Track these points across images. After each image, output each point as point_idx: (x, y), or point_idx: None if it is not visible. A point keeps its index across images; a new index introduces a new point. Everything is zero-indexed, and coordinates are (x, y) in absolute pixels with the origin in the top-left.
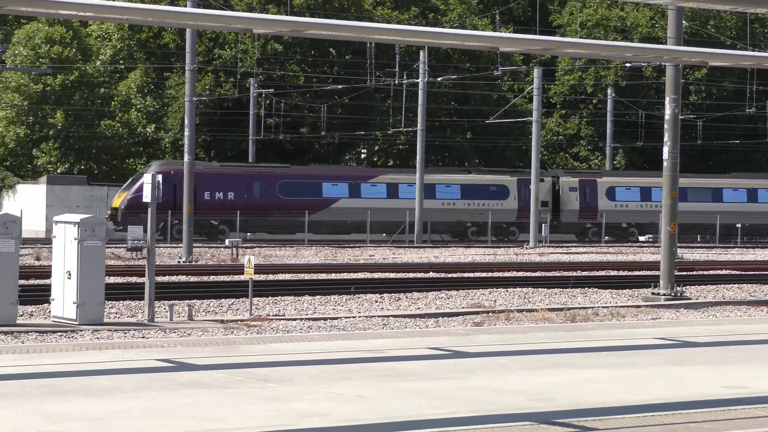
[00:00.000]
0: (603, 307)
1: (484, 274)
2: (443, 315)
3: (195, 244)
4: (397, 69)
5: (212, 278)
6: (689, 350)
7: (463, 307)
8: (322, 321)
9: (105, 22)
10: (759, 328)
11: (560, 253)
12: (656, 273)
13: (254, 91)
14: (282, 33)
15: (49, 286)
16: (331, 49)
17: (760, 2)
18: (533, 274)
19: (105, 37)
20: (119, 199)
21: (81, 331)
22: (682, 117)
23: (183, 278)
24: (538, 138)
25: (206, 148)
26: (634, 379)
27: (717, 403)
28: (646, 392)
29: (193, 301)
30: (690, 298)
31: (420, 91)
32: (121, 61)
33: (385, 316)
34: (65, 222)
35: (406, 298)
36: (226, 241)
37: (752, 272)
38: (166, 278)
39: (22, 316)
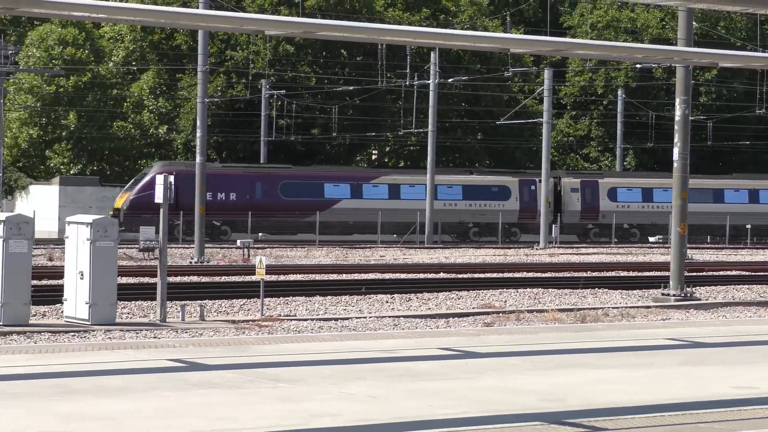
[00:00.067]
0: (613, 308)
1: (494, 275)
2: (454, 315)
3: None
4: (408, 70)
5: (224, 279)
6: (699, 351)
7: (473, 308)
8: (333, 321)
9: (117, 24)
10: None
11: (570, 254)
12: (666, 274)
13: (266, 93)
14: (294, 34)
15: (62, 286)
16: (342, 51)
17: None
18: (543, 275)
19: (117, 38)
20: (121, 199)
21: (93, 331)
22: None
23: (195, 279)
24: (548, 139)
25: (218, 149)
26: (644, 380)
27: (727, 403)
28: (656, 392)
29: (204, 301)
30: (700, 299)
31: (431, 92)
32: (134, 63)
33: (396, 317)
34: (78, 222)
35: (417, 298)
36: (238, 241)
37: (762, 273)
38: (178, 279)
39: (34, 316)
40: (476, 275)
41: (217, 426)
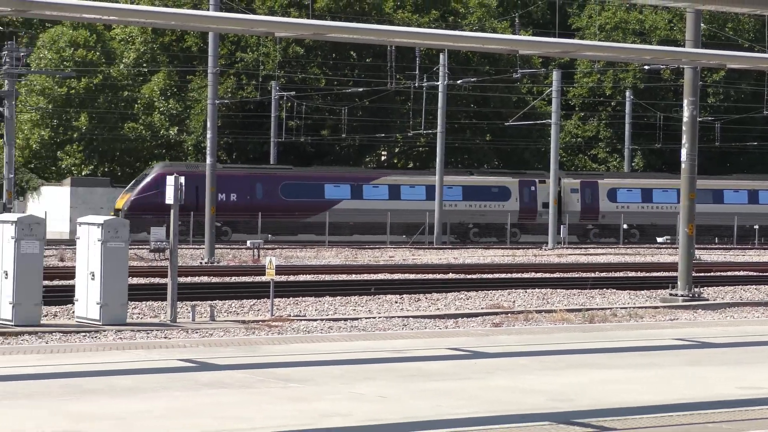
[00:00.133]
0: (621, 308)
1: (503, 275)
2: (463, 316)
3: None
4: (417, 72)
5: (234, 279)
6: (707, 351)
7: (482, 308)
8: (342, 321)
9: (128, 26)
10: None
11: (578, 254)
12: (674, 274)
13: (276, 94)
14: (303, 36)
15: (73, 286)
16: (351, 52)
17: None
18: (552, 275)
19: (128, 40)
20: (122, 200)
21: (104, 331)
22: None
23: (205, 279)
24: (556, 140)
25: (228, 150)
26: (653, 380)
27: (735, 403)
28: (664, 392)
29: (215, 301)
30: (708, 299)
31: (440, 93)
32: (145, 65)
33: (405, 317)
34: (89, 223)
35: (426, 298)
36: (248, 242)
37: None
38: (189, 279)
39: (46, 316)
40: (485, 276)
41: (227, 426)
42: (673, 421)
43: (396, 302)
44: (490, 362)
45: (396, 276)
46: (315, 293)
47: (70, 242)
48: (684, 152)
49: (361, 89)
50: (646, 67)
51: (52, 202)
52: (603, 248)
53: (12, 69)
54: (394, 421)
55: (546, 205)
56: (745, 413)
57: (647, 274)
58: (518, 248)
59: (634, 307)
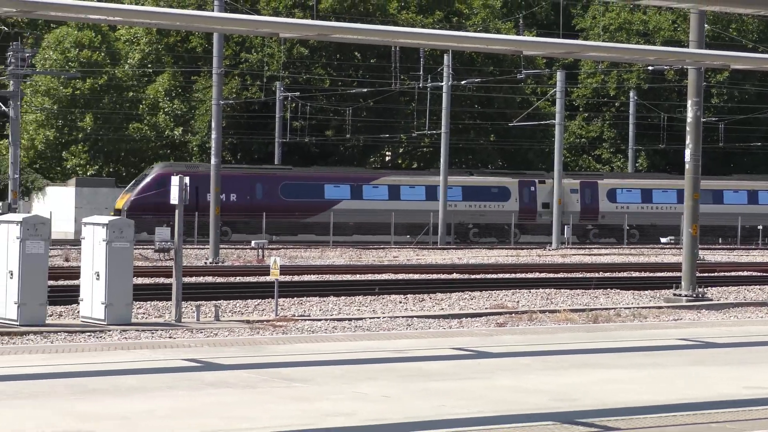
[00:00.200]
0: (625, 308)
1: (507, 276)
2: (467, 316)
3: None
4: (421, 72)
5: (238, 279)
6: (711, 351)
7: (486, 308)
8: (346, 321)
9: (133, 27)
10: None
11: (582, 254)
12: (678, 274)
13: (280, 95)
14: (308, 37)
15: (78, 286)
16: (356, 53)
17: None
18: (556, 276)
19: (133, 41)
20: (122, 200)
21: (109, 331)
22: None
23: (210, 279)
24: (560, 140)
25: (233, 150)
26: (657, 380)
27: (739, 403)
28: (668, 392)
29: (219, 301)
30: (711, 300)
31: (444, 94)
32: (149, 65)
33: (409, 317)
34: (94, 223)
35: (430, 298)
36: (252, 242)
37: None
38: (193, 279)
39: (51, 316)
40: (489, 276)
41: (232, 425)
42: (676, 421)
43: (400, 302)
44: (493, 362)
45: (400, 276)
46: (319, 293)
47: (75, 242)
48: (688, 153)
49: (365, 90)
50: (650, 67)
51: (57, 203)
52: (606, 248)
53: (17, 69)
54: (397, 421)
55: (546, 206)
56: (749, 413)
57: (651, 275)
58: (522, 248)
59: (637, 307)
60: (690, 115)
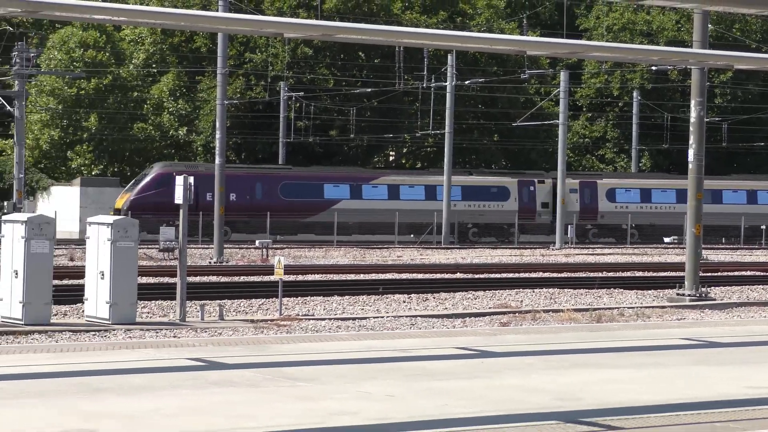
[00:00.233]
0: (628, 308)
1: (510, 275)
2: (470, 315)
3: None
4: (425, 72)
5: (243, 279)
6: (714, 351)
7: (489, 308)
8: (350, 321)
9: (138, 27)
10: None
11: (586, 254)
12: (681, 274)
13: (284, 94)
14: (312, 37)
15: (83, 286)
16: (360, 53)
17: None
18: (559, 275)
19: (138, 41)
20: (122, 200)
21: (114, 330)
22: (708, 120)
23: (214, 279)
24: (564, 140)
25: (237, 150)
26: (660, 379)
27: (741, 403)
28: (671, 392)
29: (223, 301)
30: (715, 299)
31: (448, 94)
32: (154, 65)
33: (413, 316)
34: (99, 223)
35: (434, 298)
36: (257, 242)
37: None
38: (198, 278)
39: (56, 315)
40: (492, 275)
41: (236, 424)
42: (679, 421)
43: (404, 302)
44: (497, 361)
45: (404, 276)
46: (323, 293)
47: (80, 242)
48: (691, 153)
49: (369, 90)
50: (653, 67)
51: (61, 202)
52: (610, 248)
53: (22, 69)
54: (401, 420)
55: (545, 205)
56: (753, 413)
57: (654, 274)
58: (525, 248)
59: (641, 307)
60: (693, 115)
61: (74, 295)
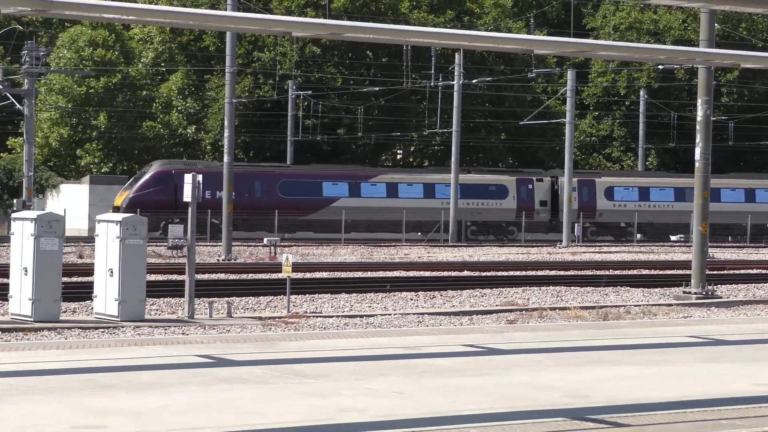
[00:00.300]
0: (635, 306)
1: (517, 273)
2: (477, 313)
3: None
4: (432, 71)
5: (251, 276)
6: (721, 348)
7: (496, 305)
8: (358, 318)
9: (147, 26)
10: None
11: (592, 252)
12: (687, 272)
13: (292, 93)
14: (320, 36)
15: (92, 283)
16: (368, 52)
17: None
18: (566, 273)
19: (147, 40)
20: (121, 197)
21: (122, 327)
22: (714, 118)
23: (222, 276)
24: (571, 139)
25: (245, 148)
26: (666, 377)
27: (749, 400)
28: (678, 389)
29: (232, 298)
30: (721, 297)
31: (455, 92)
32: (163, 64)
33: (420, 314)
34: (107, 221)
35: (441, 296)
36: (265, 239)
37: None
38: (206, 276)
39: (65, 312)
40: (499, 273)
41: (245, 420)
42: (686, 418)
43: (411, 299)
44: (504, 359)
45: (411, 273)
46: (331, 290)
47: (89, 239)
48: (698, 151)
49: (377, 88)
50: (660, 66)
51: (71, 200)
52: (616, 246)
53: (32, 68)
54: (409, 417)
55: (543, 203)
56: (759, 410)
57: (661, 272)
58: (532, 246)
59: (647, 305)
60: (700, 113)
61: (83, 293)
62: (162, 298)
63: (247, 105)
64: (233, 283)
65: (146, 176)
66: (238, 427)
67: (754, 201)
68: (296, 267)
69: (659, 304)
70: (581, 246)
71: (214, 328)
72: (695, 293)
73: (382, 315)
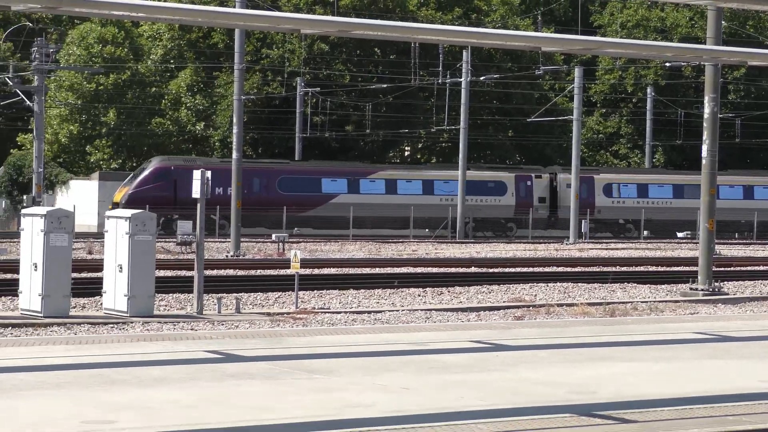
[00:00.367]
0: (642, 302)
1: (524, 269)
2: (485, 309)
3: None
4: (440, 68)
5: (259, 272)
6: (727, 345)
7: (504, 301)
8: (366, 314)
9: (156, 23)
10: None
11: (599, 249)
12: (694, 269)
13: (301, 90)
14: (329, 33)
15: (101, 279)
16: (376, 49)
17: None
18: (573, 270)
19: (156, 37)
20: (120, 194)
21: (132, 322)
22: (721, 115)
23: (231, 272)
24: (578, 136)
25: (254, 145)
26: (673, 373)
27: (755, 396)
28: (684, 385)
29: (240, 294)
30: (728, 294)
31: (463, 90)
32: (172, 61)
33: (428, 310)
34: (117, 217)
35: (448, 292)
36: (273, 235)
37: None
38: (215, 272)
39: (74, 308)
40: (507, 269)
41: (253, 415)
42: (693, 414)
43: (419, 295)
44: (511, 355)
45: (419, 269)
46: (339, 286)
47: (98, 235)
48: (705, 148)
49: (385, 85)
50: (667, 64)
51: (80, 196)
52: (623, 243)
53: (42, 65)
54: (417, 413)
55: (542, 200)
56: (766, 406)
57: (667, 269)
58: (539, 243)
59: (654, 301)
60: (707, 111)
61: (93, 288)
62: (171, 294)
63: (256, 102)
64: (242, 278)
65: (145, 172)
66: (246, 422)
67: (753, 198)
68: (304, 263)
69: (666, 301)
70: (588, 242)
71: (222, 324)
72: (702, 290)
73: (389, 311)
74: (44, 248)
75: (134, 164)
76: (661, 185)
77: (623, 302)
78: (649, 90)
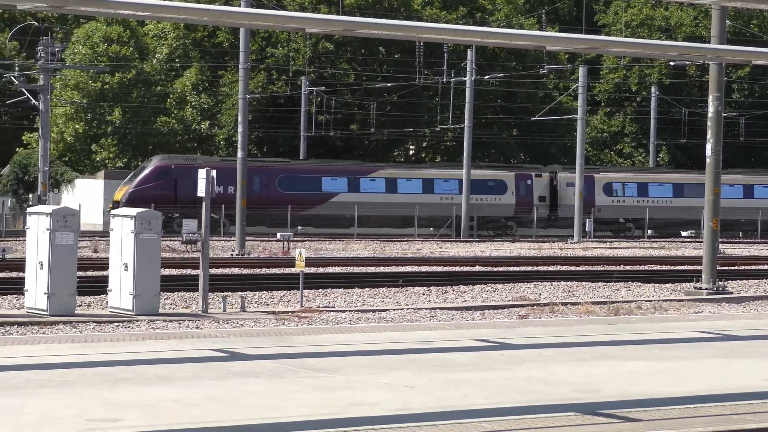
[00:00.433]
0: (646, 301)
1: (528, 268)
2: (489, 308)
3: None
4: (445, 67)
5: (264, 271)
6: (732, 344)
7: (508, 300)
8: (370, 313)
9: (161, 22)
10: None
11: (603, 247)
12: (698, 268)
13: (306, 89)
14: (334, 32)
15: (107, 277)
16: (380, 48)
17: None
18: (577, 268)
19: (161, 36)
20: (120, 192)
21: (137, 321)
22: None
23: (236, 271)
24: (582, 135)
25: (259, 144)
26: (677, 372)
27: (760, 395)
28: (688, 384)
29: (245, 292)
30: (732, 293)
31: (467, 88)
32: (177, 60)
33: (433, 309)
34: (122, 215)
35: (453, 291)
36: (278, 234)
37: None
38: (220, 270)
39: (80, 306)
40: (511, 268)
41: (258, 414)
42: (697, 413)
43: (423, 294)
44: (516, 353)
45: (423, 268)
46: (344, 285)
47: (104, 234)
48: (709, 147)
49: (389, 84)
50: (671, 63)
51: (86, 195)
52: (628, 242)
53: (47, 64)
54: (421, 411)
55: (542, 199)
56: None
57: (672, 268)
58: (544, 241)
59: (658, 300)
60: (711, 110)
61: (98, 287)
62: (176, 293)
63: (261, 101)
64: (247, 277)
65: (146, 171)
66: (251, 420)
67: (753, 197)
68: (309, 262)
69: (670, 300)
70: (592, 241)
71: (227, 322)
72: (706, 289)
73: (394, 310)
74: (50, 247)
75: (139, 163)
76: (661, 184)
77: (627, 301)
78: (653, 89)
